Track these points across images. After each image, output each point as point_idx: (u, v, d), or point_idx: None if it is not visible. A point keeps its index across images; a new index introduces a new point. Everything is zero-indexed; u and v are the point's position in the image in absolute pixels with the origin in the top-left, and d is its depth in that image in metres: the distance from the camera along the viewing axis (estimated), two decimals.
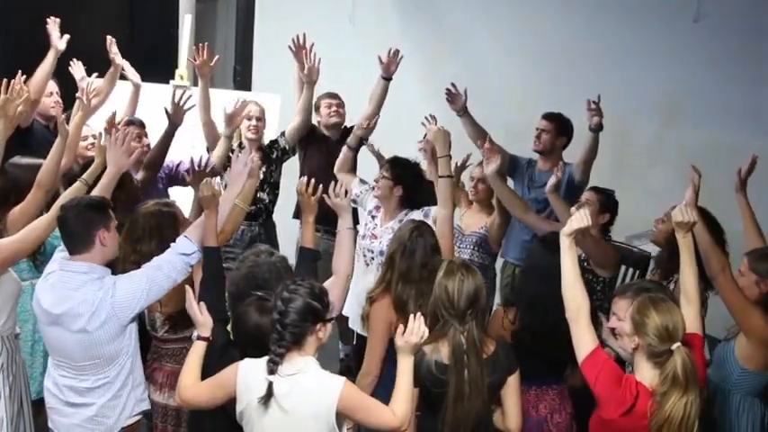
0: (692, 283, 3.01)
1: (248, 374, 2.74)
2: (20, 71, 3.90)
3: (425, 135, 5.02)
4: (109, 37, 5.10)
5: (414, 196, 4.29)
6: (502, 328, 3.47)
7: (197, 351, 2.93)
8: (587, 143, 4.68)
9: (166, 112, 4.46)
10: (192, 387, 2.87)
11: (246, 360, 2.78)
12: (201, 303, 3.00)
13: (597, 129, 4.65)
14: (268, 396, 2.67)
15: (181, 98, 4.48)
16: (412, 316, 2.85)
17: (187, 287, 3.05)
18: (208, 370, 2.92)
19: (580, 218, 2.99)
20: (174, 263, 3.12)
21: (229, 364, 2.92)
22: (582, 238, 3.75)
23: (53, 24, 4.76)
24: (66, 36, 4.76)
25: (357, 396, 2.76)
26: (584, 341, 2.84)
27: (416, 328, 2.79)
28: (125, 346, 3.11)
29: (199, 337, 2.96)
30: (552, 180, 4.21)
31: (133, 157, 3.69)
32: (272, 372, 2.68)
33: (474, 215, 4.68)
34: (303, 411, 2.68)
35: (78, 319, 3.00)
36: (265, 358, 2.73)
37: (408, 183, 4.28)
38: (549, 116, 4.98)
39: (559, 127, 4.96)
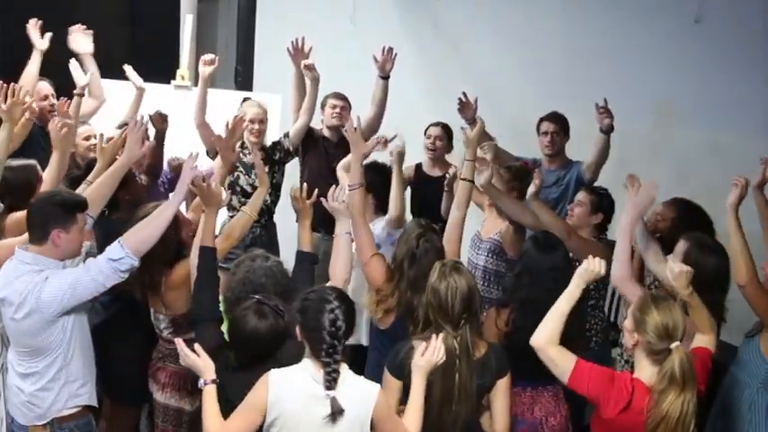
0: (707, 325, 3.00)
1: (280, 385, 2.69)
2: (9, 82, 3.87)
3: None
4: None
5: (386, 201, 4.39)
6: (495, 328, 3.44)
7: (211, 397, 2.83)
8: (599, 145, 4.68)
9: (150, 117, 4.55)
10: (223, 429, 2.76)
11: (274, 371, 2.73)
12: (197, 345, 2.92)
13: (608, 131, 4.66)
14: (336, 413, 2.62)
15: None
16: (434, 336, 2.87)
17: (177, 340, 2.97)
18: None
19: (594, 264, 2.99)
20: (101, 267, 3.08)
21: (224, 366, 2.91)
22: (568, 239, 3.77)
23: (33, 26, 4.73)
24: (48, 34, 4.75)
25: (388, 406, 2.78)
26: (560, 363, 2.87)
27: (438, 348, 2.83)
28: (54, 341, 3.10)
29: (206, 383, 2.86)
30: (531, 188, 4.21)
31: (144, 149, 3.70)
32: (330, 387, 2.64)
33: (493, 220, 4.62)
34: (341, 418, 2.66)
35: (10, 306, 3.07)
36: (294, 368, 2.71)
37: (378, 189, 4.36)
38: (555, 118, 4.99)
39: (565, 127, 5.00)
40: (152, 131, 4.77)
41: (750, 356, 3.38)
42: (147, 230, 3.16)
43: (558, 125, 4.97)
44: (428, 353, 2.82)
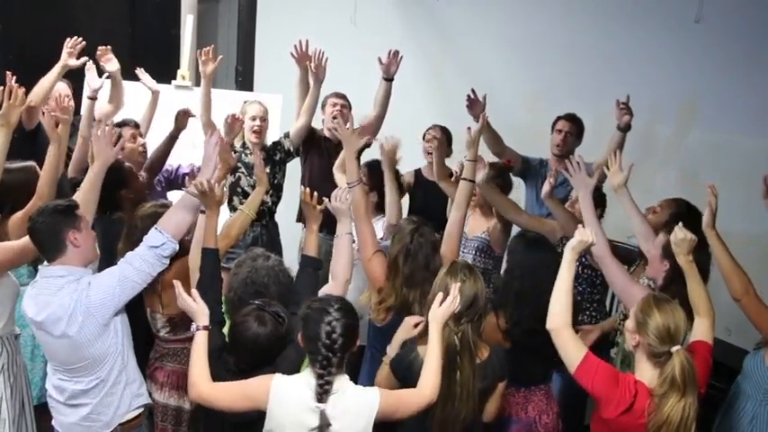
0: (703, 300, 3.03)
1: (281, 393, 2.67)
2: (13, 75, 3.84)
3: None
4: (102, 48, 4.95)
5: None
6: (498, 332, 3.43)
7: (201, 343, 2.84)
8: (613, 143, 4.64)
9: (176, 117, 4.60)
10: (207, 385, 2.76)
11: (278, 376, 2.71)
12: (194, 290, 2.94)
13: (626, 128, 4.64)
14: (323, 426, 2.60)
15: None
16: (454, 285, 2.91)
17: (176, 281, 3.00)
18: None
19: (586, 234, 3.04)
20: (144, 256, 3.06)
21: (223, 369, 2.90)
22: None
23: (73, 44, 4.65)
24: (85, 59, 4.72)
25: (393, 398, 2.76)
26: (572, 351, 2.85)
27: (455, 297, 2.87)
28: (111, 345, 3.07)
29: (198, 328, 2.87)
30: (546, 187, 4.21)
31: (117, 147, 3.55)
32: (321, 400, 2.61)
33: (477, 219, 4.65)
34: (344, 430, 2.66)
35: (58, 323, 2.99)
36: (298, 377, 2.70)
37: (381, 189, 4.34)
38: (572, 118, 4.98)
39: (580, 129, 4.99)
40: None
41: (755, 369, 3.35)
42: (181, 214, 3.17)
43: (574, 126, 4.97)
44: (445, 303, 2.87)
